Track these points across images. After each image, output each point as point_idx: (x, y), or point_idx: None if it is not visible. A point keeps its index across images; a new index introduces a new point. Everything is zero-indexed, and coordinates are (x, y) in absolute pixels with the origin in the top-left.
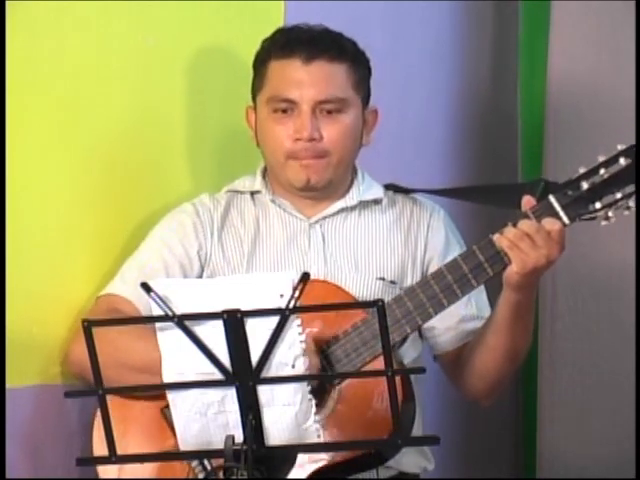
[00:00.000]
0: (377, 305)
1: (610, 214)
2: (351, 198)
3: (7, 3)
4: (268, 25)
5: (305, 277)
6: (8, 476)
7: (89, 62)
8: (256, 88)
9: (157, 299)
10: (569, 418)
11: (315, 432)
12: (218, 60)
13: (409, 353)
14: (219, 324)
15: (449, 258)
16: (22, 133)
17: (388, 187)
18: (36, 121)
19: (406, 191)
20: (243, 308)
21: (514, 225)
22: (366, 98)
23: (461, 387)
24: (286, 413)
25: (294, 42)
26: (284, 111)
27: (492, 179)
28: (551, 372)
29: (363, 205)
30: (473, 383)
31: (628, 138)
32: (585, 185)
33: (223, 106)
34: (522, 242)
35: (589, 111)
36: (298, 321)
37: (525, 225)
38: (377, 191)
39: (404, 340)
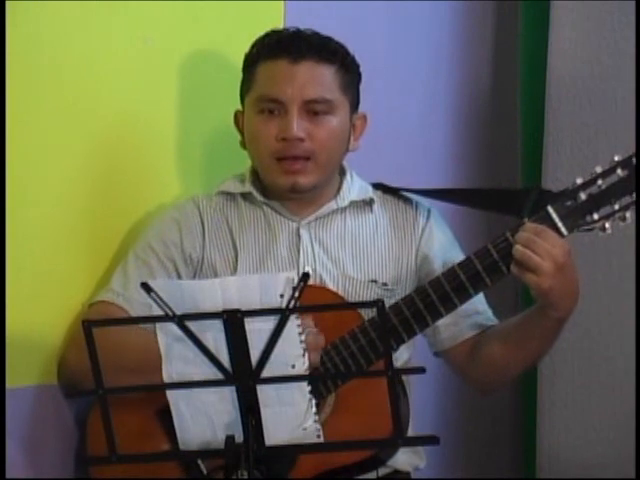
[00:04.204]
0: (377, 305)
1: (607, 225)
2: (342, 199)
3: (7, 3)
4: (268, 25)
5: (305, 277)
6: (7, 476)
7: (88, 62)
8: (244, 90)
9: (157, 299)
10: (569, 418)
11: (315, 432)
12: (218, 60)
13: (402, 355)
14: (219, 324)
15: (444, 258)
16: (20, 134)
17: (376, 187)
18: (35, 121)
19: (394, 191)
20: (243, 308)
21: (512, 235)
22: (355, 103)
23: (472, 380)
24: (286, 413)
25: (282, 43)
26: (271, 112)
27: (492, 179)
28: (551, 372)
29: (354, 206)
30: (487, 381)
31: (628, 138)
32: (583, 196)
33: (223, 106)
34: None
35: (589, 111)
36: (298, 321)
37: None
38: (367, 191)
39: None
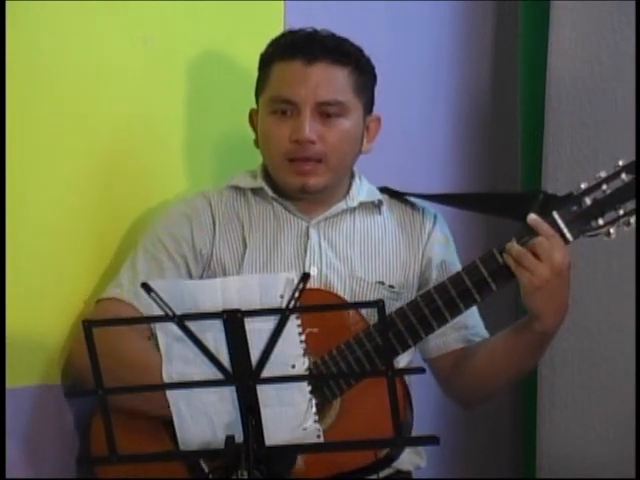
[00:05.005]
0: (377, 305)
1: (612, 230)
2: (352, 200)
3: (7, 3)
4: (268, 25)
5: (305, 277)
6: (8, 476)
7: (89, 62)
8: (259, 89)
9: (157, 299)
10: (569, 418)
11: (315, 432)
12: (218, 60)
13: (403, 359)
14: (219, 324)
15: (441, 265)
16: (21, 134)
17: (382, 190)
18: (35, 121)
19: (400, 195)
20: (243, 308)
21: (517, 240)
22: (369, 105)
23: (455, 391)
24: (286, 413)
25: (296, 44)
26: (284, 112)
27: (492, 180)
28: (551, 372)
29: (363, 207)
30: (469, 392)
31: (627, 138)
32: (588, 201)
33: (223, 106)
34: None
35: (589, 111)
36: (298, 321)
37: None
38: (376, 193)
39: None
